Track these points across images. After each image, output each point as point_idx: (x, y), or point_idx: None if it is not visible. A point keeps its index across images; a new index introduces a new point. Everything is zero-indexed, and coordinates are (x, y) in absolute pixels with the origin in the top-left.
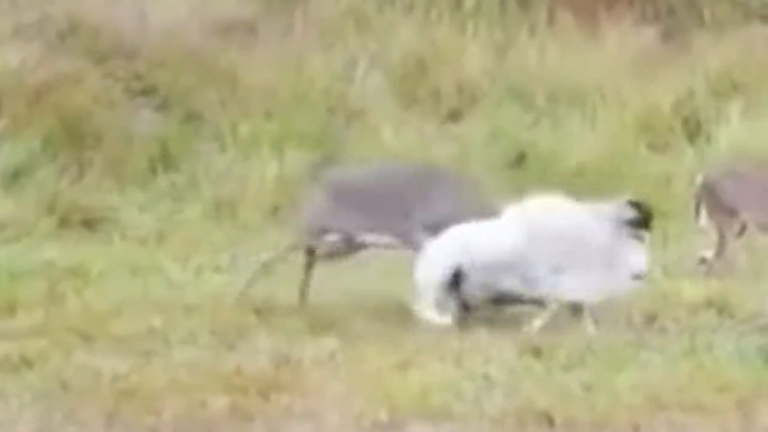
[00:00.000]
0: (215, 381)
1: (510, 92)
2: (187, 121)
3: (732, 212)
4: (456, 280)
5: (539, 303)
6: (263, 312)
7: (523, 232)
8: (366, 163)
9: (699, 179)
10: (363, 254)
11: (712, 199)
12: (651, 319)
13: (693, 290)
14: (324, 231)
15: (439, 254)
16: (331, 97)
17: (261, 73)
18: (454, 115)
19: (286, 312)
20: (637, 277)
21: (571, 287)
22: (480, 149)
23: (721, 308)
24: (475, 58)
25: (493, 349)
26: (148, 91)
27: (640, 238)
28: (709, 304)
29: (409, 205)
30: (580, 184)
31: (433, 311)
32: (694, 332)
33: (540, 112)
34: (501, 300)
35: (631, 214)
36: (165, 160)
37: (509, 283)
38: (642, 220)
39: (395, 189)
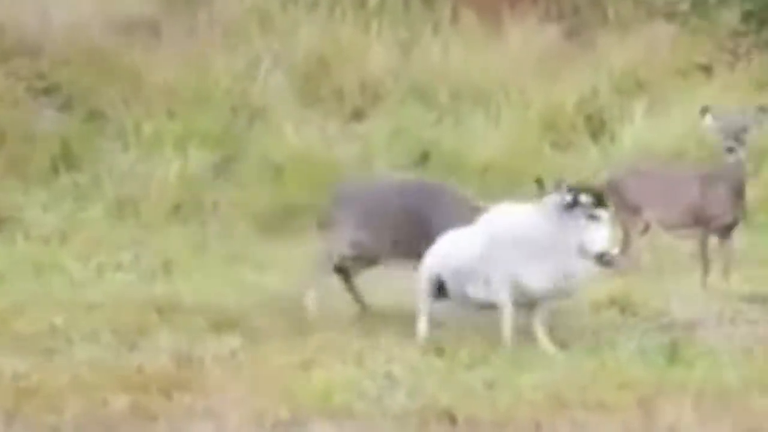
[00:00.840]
0: (117, 380)
1: (413, 91)
2: (90, 120)
3: (636, 210)
4: (441, 290)
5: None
6: (165, 311)
7: (486, 241)
8: (382, 182)
9: (603, 177)
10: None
11: (616, 197)
12: (554, 316)
13: (597, 288)
14: (353, 254)
15: (424, 266)
16: (234, 96)
17: (164, 72)
18: (358, 114)
19: (187, 311)
20: (600, 257)
21: (529, 284)
22: (383, 148)
23: (624, 306)
24: (378, 57)
25: (395, 348)
26: (50, 90)
27: (596, 218)
28: (612, 302)
29: (427, 226)
30: (484, 183)
31: (425, 324)
32: (597, 330)
33: (443, 111)
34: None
35: (572, 197)
36: (68, 159)
37: (473, 290)
38: (592, 200)
39: (416, 210)
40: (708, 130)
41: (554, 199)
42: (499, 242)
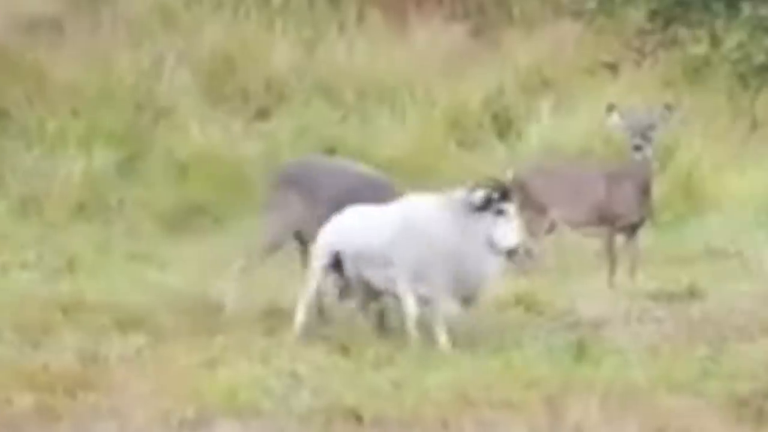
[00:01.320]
0: (21, 379)
1: (319, 89)
2: None
3: (541, 209)
4: (338, 265)
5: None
6: (70, 309)
7: (397, 227)
8: (330, 164)
9: (508, 176)
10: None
11: (522, 196)
12: (460, 315)
13: (502, 287)
14: (299, 235)
15: (323, 241)
16: (139, 95)
17: (68, 70)
18: (263, 113)
19: (92, 309)
20: (511, 252)
21: (434, 279)
22: (288, 146)
23: (530, 305)
24: (283, 55)
25: (300, 348)
26: None
27: (503, 213)
28: (518, 301)
29: None
30: None
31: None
32: (503, 330)
33: (349, 109)
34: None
35: (481, 195)
36: None
37: (373, 274)
38: (499, 195)
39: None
40: (614, 128)
41: (462, 194)
42: (410, 231)
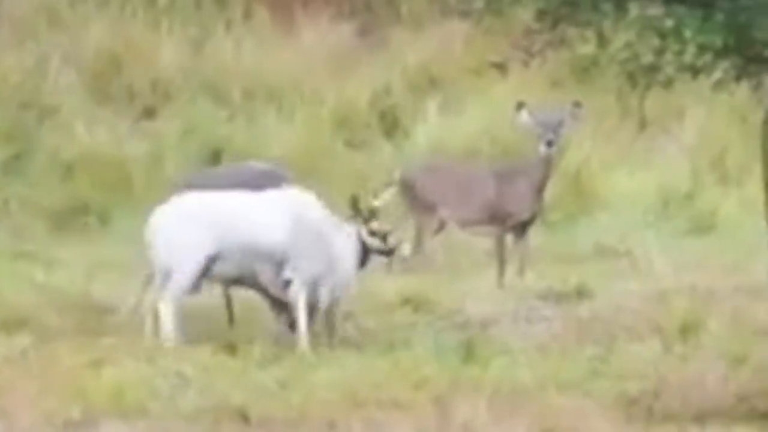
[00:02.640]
0: None
1: (205, 88)
2: None
3: (430, 208)
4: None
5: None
6: None
7: (289, 227)
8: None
9: (396, 175)
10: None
11: (410, 195)
12: (347, 315)
13: (389, 286)
14: None
15: (195, 240)
16: (24, 93)
17: None
18: (149, 112)
19: None
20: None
21: (324, 289)
22: (174, 146)
23: (419, 305)
24: (169, 55)
25: (186, 347)
26: None
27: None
28: (406, 301)
29: None
30: None
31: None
32: (391, 329)
33: (236, 109)
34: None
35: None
36: None
37: (264, 277)
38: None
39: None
40: (523, 124)
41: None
42: (304, 236)
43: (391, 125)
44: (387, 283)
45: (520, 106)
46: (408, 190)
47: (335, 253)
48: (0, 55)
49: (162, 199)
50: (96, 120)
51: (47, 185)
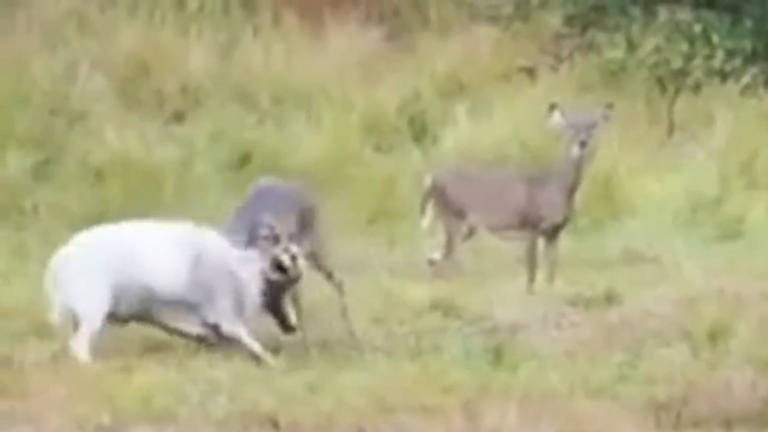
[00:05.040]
0: None
1: (234, 93)
2: None
3: (460, 214)
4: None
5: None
6: None
7: (191, 265)
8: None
9: (427, 181)
10: None
11: (441, 200)
12: (377, 320)
13: (419, 292)
14: None
15: (98, 270)
16: (54, 99)
17: None
18: (178, 117)
19: (7, 315)
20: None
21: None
22: (204, 150)
23: (448, 310)
24: (198, 60)
25: (216, 354)
26: None
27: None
28: (435, 305)
29: None
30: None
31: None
32: (420, 334)
33: (264, 113)
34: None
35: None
36: None
37: (180, 322)
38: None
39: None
40: (556, 126)
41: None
42: (210, 270)
43: (419, 130)
44: (416, 288)
45: (552, 107)
46: (438, 195)
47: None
48: (30, 60)
49: (192, 203)
50: (125, 125)
51: (77, 190)
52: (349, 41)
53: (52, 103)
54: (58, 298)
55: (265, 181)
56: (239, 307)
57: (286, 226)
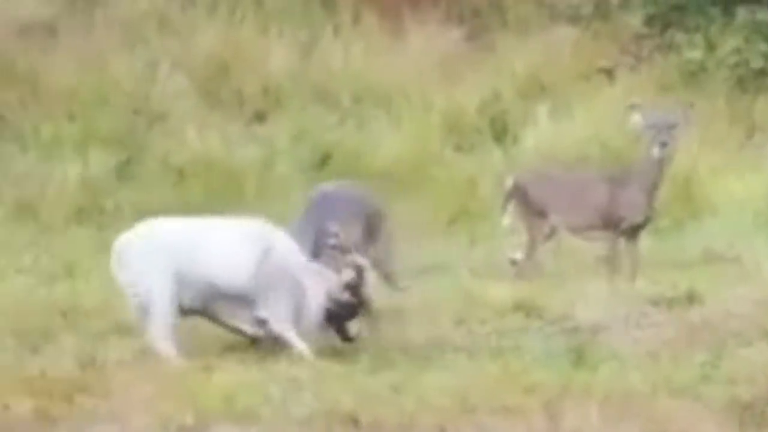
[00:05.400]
0: (19, 384)
1: (315, 93)
2: None
3: (541, 214)
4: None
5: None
6: (67, 314)
7: (258, 259)
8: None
9: (509, 181)
10: None
11: (522, 200)
12: (458, 320)
13: (500, 292)
14: None
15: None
16: (134, 99)
17: (62, 74)
18: (259, 116)
19: (90, 314)
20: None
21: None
22: (285, 150)
23: (529, 310)
24: (279, 59)
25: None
26: None
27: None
28: (516, 306)
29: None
30: (386, 185)
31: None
32: (502, 334)
33: (345, 113)
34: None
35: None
36: None
37: (237, 315)
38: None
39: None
40: (636, 126)
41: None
42: (275, 267)
43: (500, 131)
44: (498, 288)
45: (632, 108)
46: (520, 196)
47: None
48: (110, 60)
49: (273, 203)
50: (206, 125)
51: (158, 190)
52: (428, 41)
53: (133, 103)
54: (122, 279)
55: (328, 186)
56: (296, 316)
57: (352, 234)
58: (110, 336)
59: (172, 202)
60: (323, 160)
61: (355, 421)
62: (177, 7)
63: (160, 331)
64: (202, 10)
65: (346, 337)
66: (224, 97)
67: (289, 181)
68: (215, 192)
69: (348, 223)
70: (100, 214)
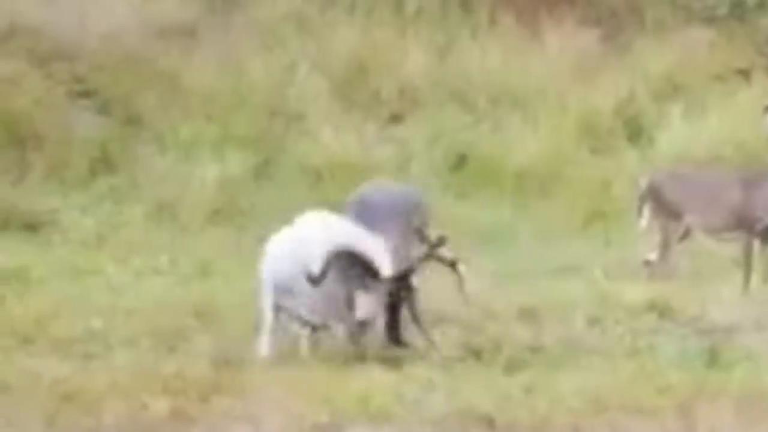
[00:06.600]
0: (156, 384)
1: (451, 95)
2: (128, 123)
3: (676, 215)
4: None
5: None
6: (203, 314)
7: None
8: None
9: (644, 182)
10: None
11: (657, 201)
12: (592, 321)
13: (634, 292)
14: None
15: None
16: (272, 100)
17: (201, 76)
18: (395, 118)
19: (226, 314)
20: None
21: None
22: (421, 152)
23: (663, 311)
24: (416, 61)
25: (433, 353)
26: (88, 94)
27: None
28: (650, 306)
29: None
30: (522, 187)
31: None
32: (636, 334)
33: (481, 115)
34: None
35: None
36: (105, 162)
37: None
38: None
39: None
40: None
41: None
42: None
43: (635, 132)
44: (632, 289)
45: (767, 109)
46: (655, 196)
47: None
48: (249, 62)
49: None
50: (343, 126)
51: (295, 191)
52: (565, 42)
53: (270, 105)
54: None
55: (372, 185)
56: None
57: (398, 233)
58: (245, 336)
59: (309, 203)
60: (459, 162)
61: (490, 422)
62: (315, 9)
63: (263, 340)
64: (341, 12)
65: (398, 342)
66: (361, 99)
67: (424, 182)
68: (351, 192)
69: (394, 222)
70: (237, 215)
